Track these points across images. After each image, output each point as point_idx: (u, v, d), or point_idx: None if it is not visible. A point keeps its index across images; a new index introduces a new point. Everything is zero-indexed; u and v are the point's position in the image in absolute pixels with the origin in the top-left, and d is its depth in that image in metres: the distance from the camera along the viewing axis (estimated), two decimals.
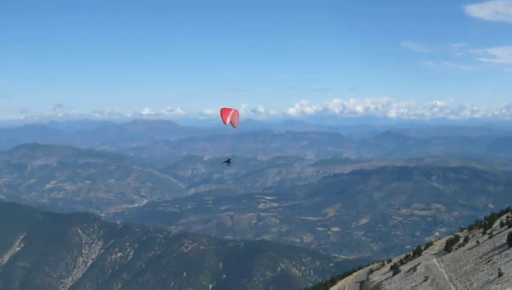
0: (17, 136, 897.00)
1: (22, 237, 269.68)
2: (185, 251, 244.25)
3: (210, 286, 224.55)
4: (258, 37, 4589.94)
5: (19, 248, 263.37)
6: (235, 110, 54.73)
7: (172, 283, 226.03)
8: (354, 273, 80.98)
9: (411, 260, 61.37)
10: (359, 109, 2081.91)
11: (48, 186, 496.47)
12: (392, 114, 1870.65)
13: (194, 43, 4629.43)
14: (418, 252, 63.83)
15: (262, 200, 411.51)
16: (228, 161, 71.28)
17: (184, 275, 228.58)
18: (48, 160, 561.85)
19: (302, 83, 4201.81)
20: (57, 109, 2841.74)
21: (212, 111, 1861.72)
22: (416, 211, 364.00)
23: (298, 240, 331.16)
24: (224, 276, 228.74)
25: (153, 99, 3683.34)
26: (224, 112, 53.04)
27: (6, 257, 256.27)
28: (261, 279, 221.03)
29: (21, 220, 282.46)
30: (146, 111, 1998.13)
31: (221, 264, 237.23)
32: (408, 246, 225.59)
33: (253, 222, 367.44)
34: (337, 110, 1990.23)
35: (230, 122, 54.86)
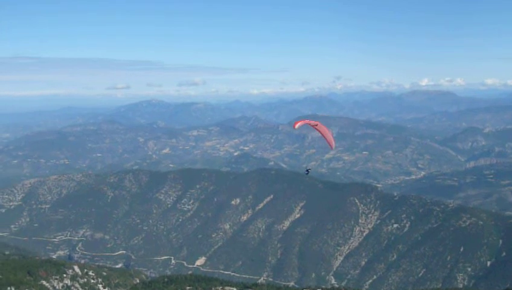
0: (298, 107, 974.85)
1: (301, 204, 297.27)
2: (463, 225, 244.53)
3: (488, 263, 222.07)
4: None
5: (298, 215, 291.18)
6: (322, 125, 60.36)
7: (449, 257, 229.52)
8: None
9: None
10: None
11: (326, 156, 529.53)
12: None
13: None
14: None
15: None
16: (307, 171, 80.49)
17: (461, 250, 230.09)
18: None
19: None
20: (336, 81, 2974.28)
21: (493, 81, 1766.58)
22: None
23: None
24: (504, 254, 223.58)
25: (432, 70, 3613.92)
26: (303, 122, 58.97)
27: (287, 223, 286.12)
28: None
29: (301, 188, 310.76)
30: (425, 82, 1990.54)
31: (500, 241, 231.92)
32: None
33: None
34: None
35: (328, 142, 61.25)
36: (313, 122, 68.78)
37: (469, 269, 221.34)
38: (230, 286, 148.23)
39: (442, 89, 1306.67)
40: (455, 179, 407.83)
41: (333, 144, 70.39)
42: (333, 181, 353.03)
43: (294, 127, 67.56)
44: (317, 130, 69.51)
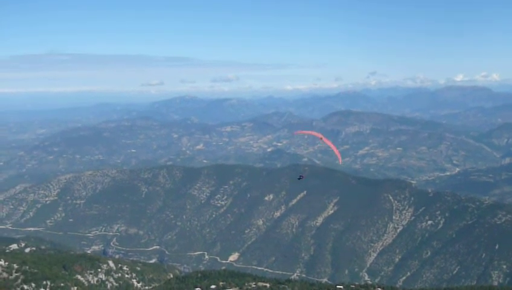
0: (331, 103, 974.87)
1: (335, 200, 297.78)
2: (498, 222, 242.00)
3: None
4: None
5: (332, 211, 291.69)
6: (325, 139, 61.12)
7: (484, 254, 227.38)
8: None
9: None
10: None
11: (360, 152, 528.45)
12: None
13: None
14: None
15: None
16: (300, 177, 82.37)
17: (496, 247, 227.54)
18: (361, 127, 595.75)
19: None
20: (370, 77, 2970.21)
21: None
22: None
23: None
24: None
25: (467, 66, 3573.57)
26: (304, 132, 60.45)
27: (320, 219, 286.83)
28: None
29: (335, 184, 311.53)
30: (460, 77, 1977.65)
31: None
32: None
33: None
34: None
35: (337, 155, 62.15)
36: (318, 135, 69.96)
37: (504, 267, 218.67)
38: (264, 281, 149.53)
39: (478, 84, 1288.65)
40: (490, 175, 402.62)
41: (340, 158, 72.27)
42: (367, 177, 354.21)
43: (294, 134, 70.18)
44: (325, 142, 70.74)
